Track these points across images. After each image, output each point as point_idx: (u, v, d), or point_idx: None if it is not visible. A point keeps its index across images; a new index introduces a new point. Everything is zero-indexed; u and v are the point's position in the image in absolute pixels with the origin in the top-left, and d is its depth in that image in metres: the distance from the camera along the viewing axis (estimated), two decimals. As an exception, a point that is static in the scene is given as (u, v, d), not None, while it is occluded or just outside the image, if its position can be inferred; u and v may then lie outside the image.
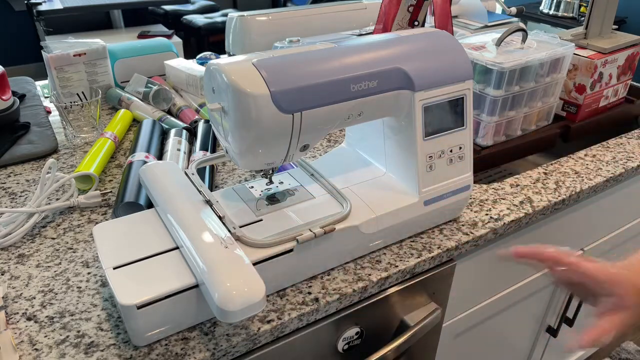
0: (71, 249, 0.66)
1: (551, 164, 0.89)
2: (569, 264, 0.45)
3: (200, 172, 0.76)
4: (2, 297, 0.58)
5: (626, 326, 0.44)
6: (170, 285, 0.51)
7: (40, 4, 2.61)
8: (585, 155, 0.92)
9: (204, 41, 3.40)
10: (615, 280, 0.43)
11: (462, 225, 0.72)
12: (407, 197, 0.66)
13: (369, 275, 0.63)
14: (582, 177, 0.85)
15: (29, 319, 0.56)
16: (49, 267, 0.63)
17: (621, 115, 1.09)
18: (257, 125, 0.51)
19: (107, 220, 0.72)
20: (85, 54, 1.01)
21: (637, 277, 0.43)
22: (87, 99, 0.92)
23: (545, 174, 0.86)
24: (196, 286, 0.52)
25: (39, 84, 1.14)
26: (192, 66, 1.07)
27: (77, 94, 0.99)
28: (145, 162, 0.77)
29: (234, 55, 0.79)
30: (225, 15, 3.55)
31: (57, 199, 0.74)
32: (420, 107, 0.61)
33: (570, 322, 1.10)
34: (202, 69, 1.06)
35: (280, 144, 0.55)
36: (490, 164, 0.92)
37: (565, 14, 2.61)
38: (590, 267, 0.43)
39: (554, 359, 1.28)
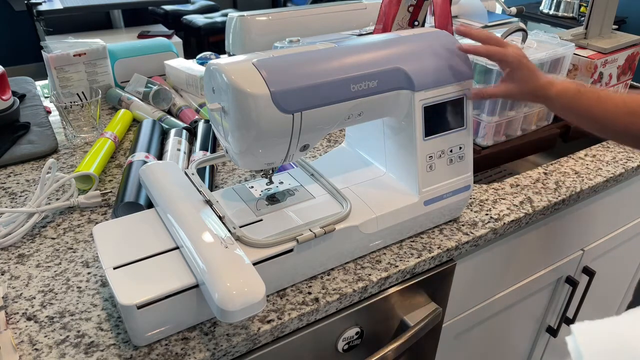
0: (71, 249, 0.66)
1: (551, 164, 0.89)
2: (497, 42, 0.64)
3: (200, 172, 0.76)
4: (2, 297, 0.58)
5: (511, 94, 0.66)
6: (170, 285, 0.51)
7: (40, 4, 2.61)
8: (585, 155, 0.92)
9: (204, 41, 3.40)
10: (519, 62, 0.63)
11: (462, 225, 0.72)
12: (407, 197, 0.66)
13: (369, 275, 0.63)
14: (582, 177, 0.85)
15: (29, 319, 0.56)
16: (49, 267, 0.63)
17: (621, 115, 1.09)
18: (257, 125, 0.51)
19: (107, 220, 0.72)
20: (85, 54, 1.01)
21: (533, 66, 0.64)
22: (87, 99, 0.92)
23: (545, 174, 0.86)
24: (196, 286, 0.52)
25: (39, 84, 1.14)
26: (192, 66, 1.07)
27: (77, 94, 0.99)
28: (145, 162, 0.77)
29: (234, 55, 0.79)
30: (225, 15, 3.55)
31: (57, 199, 0.74)
32: (420, 107, 0.61)
33: (570, 322, 1.10)
34: (202, 69, 1.06)
35: (280, 144, 0.55)
36: (490, 164, 0.92)
37: (565, 14, 2.61)
38: (509, 53, 0.63)
39: (553, 359, 1.28)
